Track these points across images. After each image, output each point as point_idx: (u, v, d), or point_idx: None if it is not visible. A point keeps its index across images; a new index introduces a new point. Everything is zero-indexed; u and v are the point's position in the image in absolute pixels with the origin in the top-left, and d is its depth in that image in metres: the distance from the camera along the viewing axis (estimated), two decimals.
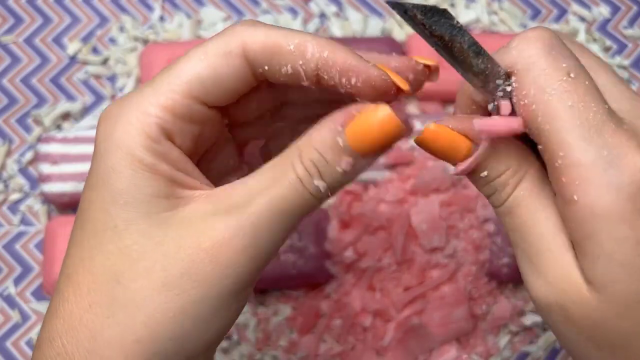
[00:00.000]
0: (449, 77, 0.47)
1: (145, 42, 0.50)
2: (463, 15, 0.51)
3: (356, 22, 0.50)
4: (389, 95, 0.26)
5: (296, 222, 0.25)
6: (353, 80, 0.25)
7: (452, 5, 0.51)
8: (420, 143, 0.26)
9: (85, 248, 0.25)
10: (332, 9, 0.51)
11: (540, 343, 0.44)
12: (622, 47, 0.51)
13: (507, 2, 0.52)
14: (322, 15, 0.51)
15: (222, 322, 0.26)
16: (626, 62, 0.50)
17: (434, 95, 0.48)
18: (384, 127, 0.24)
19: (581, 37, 0.51)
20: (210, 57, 0.25)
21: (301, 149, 0.24)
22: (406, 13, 0.24)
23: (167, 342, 0.24)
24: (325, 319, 0.43)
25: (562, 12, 0.52)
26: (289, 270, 0.43)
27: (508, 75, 0.25)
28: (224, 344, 0.44)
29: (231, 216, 0.24)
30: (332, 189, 0.25)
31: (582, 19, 0.51)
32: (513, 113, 0.25)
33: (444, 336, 0.43)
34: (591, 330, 0.23)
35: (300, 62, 0.25)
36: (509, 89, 0.25)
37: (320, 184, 0.24)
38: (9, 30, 0.51)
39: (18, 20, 0.51)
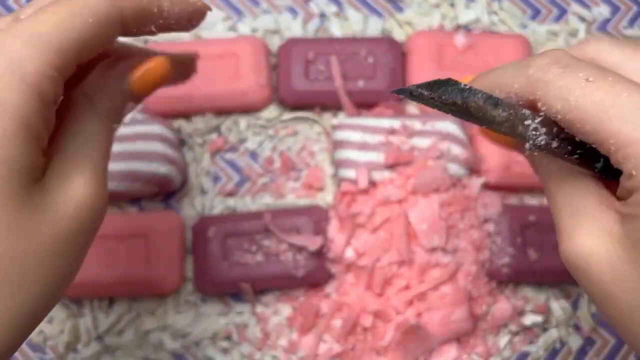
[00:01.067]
0: (449, 76, 0.47)
1: (145, 42, 0.50)
2: (463, 15, 0.51)
3: (356, 22, 0.50)
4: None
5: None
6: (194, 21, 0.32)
7: (452, 5, 0.51)
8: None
9: None
10: (332, 9, 0.51)
11: (540, 343, 0.44)
12: None
13: (507, 2, 0.52)
14: (322, 15, 0.51)
15: None
16: None
17: None
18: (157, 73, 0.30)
19: (581, 37, 0.51)
20: (97, 20, 0.26)
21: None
22: (413, 95, 0.25)
23: None
24: (325, 319, 0.43)
25: (562, 12, 0.52)
26: (289, 270, 0.43)
27: (533, 112, 0.25)
28: (223, 343, 0.44)
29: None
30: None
31: (582, 19, 0.51)
32: (560, 130, 0.24)
33: (444, 336, 0.43)
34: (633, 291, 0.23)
35: (160, 21, 0.29)
36: (538, 119, 0.24)
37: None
38: None
39: None
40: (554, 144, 0.25)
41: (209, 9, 0.32)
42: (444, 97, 0.25)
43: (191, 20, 0.31)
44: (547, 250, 0.43)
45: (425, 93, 0.25)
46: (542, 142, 0.24)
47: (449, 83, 0.25)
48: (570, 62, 0.24)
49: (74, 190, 0.26)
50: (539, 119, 0.24)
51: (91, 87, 0.29)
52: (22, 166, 0.24)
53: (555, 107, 0.24)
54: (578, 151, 0.25)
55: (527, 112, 0.25)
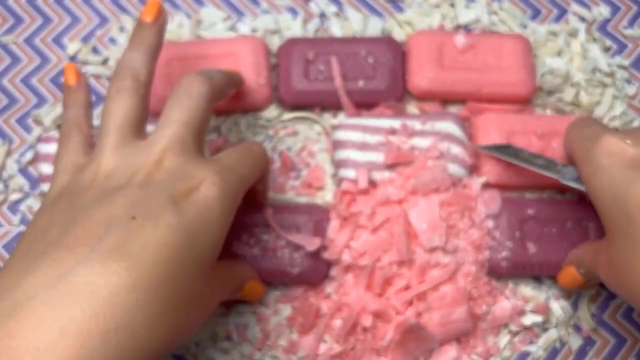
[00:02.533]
0: (449, 77, 0.47)
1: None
2: (463, 15, 0.51)
3: (356, 22, 0.50)
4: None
5: None
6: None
7: (452, 5, 0.51)
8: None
9: None
10: (332, 9, 0.51)
11: (540, 343, 0.44)
12: (622, 47, 0.51)
13: (507, 2, 0.52)
14: (322, 15, 0.51)
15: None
16: (626, 62, 0.50)
17: (433, 95, 0.48)
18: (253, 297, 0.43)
19: (581, 37, 0.51)
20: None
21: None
22: (490, 150, 0.44)
23: None
24: (325, 319, 0.43)
25: (562, 12, 0.52)
26: (284, 267, 0.43)
27: (565, 161, 0.43)
28: (223, 344, 0.44)
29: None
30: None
31: (582, 19, 0.51)
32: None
33: (444, 336, 0.43)
34: None
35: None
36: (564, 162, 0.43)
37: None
38: (9, 30, 0.51)
39: (18, 20, 0.51)
40: None
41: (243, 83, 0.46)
42: (506, 152, 0.44)
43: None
44: (546, 244, 0.43)
45: (497, 153, 0.44)
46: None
47: (509, 147, 0.44)
48: (586, 123, 0.43)
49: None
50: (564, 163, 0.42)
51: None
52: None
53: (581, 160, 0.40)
54: None
55: (558, 161, 0.43)
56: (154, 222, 0.29)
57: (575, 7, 0.52)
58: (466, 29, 0.51)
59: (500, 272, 0.44)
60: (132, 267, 0.27)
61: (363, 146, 0.45)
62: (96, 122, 0.46)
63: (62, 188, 0.34)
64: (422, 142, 0.45)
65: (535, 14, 0.52)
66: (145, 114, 0.37)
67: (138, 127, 0.36)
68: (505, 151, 0.44)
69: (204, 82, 0.37)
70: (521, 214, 0.44)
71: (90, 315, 0.25)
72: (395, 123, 0.45)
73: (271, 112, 0.48)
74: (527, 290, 0.45)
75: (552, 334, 0.44)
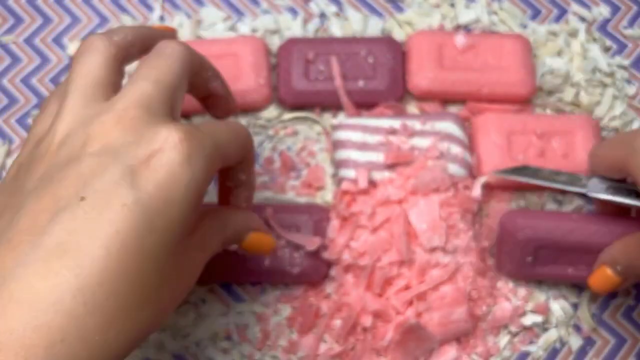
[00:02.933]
0: (448, 77, 0.47)
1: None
2: (463, 15, 0.51)
3: (356, 22, 0.50)
4: None
5: None
6: None
7: (452, 5, 0.51)
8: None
9: None
10: (332, 9, 0.51)
11: (540, 343, 0.44)
12: (622, 47, 0.51)
13: (507, 2, 0.52)
14: (322, 15, 0.51)
15: None
16: (626, 62, 0.50)
17: (433, 95, 0.48)
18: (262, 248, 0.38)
19: (581, 37, 0.51)
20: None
21: (227, 224, 0.36)
22: (505, 174, 0.44)
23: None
24: (325, 319, 0.43)
25: (562, 12, 0.52)
26: (283, 266, 0.43)
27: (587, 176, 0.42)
28: (224, 343, 0.44)
29: None
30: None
31: (582, 19, 0.51)
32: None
33: (444, 336, 0.43)
34: None
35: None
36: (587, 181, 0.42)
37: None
38: (9, 30, 0.51)
39: (18, 20, 0.51)
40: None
41: (237, 111, 0.43)
42: (523, 174, 0.44)
43: (215, 107, 0.41)
44: (547, 257, 0.43)
45: (514, 176, 0.44)
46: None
47: (526, 168, 0.44)
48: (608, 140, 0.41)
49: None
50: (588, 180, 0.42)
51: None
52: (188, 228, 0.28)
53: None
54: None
55: (581, 175, 0.43)
56: (106, 202, 0.25)
57: (575, 7, 0.52)
58: (466, 29, 0.51)
59: (500, 276, 0.44)
60: (78, 266, 0.23)
61: (363, 146, 0.45)
62: None
63: (19, 164, 0.29)
64: (422, 142, 0.45)
65: (535, 14, 0.52)
66: (117, 75, 0.32)
67: (105, 88, 0.30)
68: (523, 173, 0.43)
69: (181, 43, 0.33)
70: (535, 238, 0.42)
71: (32, 327, 0.22)
72: (395, 123, 0.45)
73: (271, 112, 0.48)
74: (527, 290, 0.45)
75: (552, 334, 0.44)
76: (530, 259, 0.42)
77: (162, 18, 0.51)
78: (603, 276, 0.39)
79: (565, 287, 0.45)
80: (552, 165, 0.45)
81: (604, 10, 0.52)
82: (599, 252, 0.39)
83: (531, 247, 0.42)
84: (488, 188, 0.46)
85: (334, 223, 0.44)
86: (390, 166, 0.45)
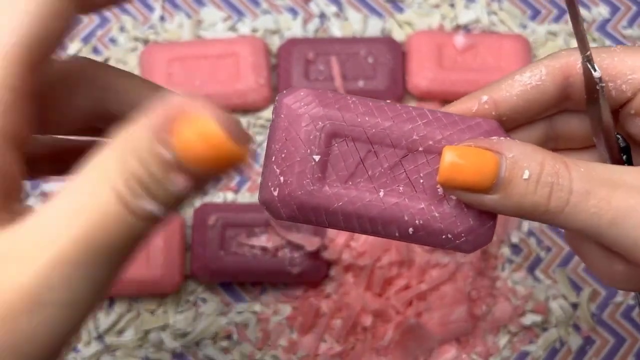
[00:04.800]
0: (448, 77, 0.48)
1: (146, 42, 0.50)
2: (463, 16, 0.51)
3: (356, 22, 0.50)
4: None
5: (127, 254, 0.20)
6: None
7: (452, 5, 0.51)
8: (446, 183, 0.22)
9: None
10: (332, 9, 0.51)
11: (539, 343, 0.44)
12: None
13: (507, 2, 0.52)
14: (322, 15, 0.51)
15: None
16: None
17: (433, 95, 0.48)
18: (213, 145, 0.18)
19: None
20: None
21: (120, 164, 0.18)
22: None
23: None
24: (325, 318, 0.43)
25: (562, 12, 0.52)
26: (284, 267, 0.43)
27: None
28: (224, 343, 0.44)
29: (25, 265, 0.18)
30: (171, 208, 0.19)
31: (582, 19, 0.51)
32: None
33: (444, 336, 0.43)
34: None
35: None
36: None
37: (149, 205, 0.18)
38: None
39: None
40: None
41: None
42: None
43: None
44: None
45: None
46: None
47: None
48: None
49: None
50: None
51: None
52: None
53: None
54: None
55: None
56: None
57: None
58: (466, 29, 0.51)
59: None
60: None
61: None
62: None
63: None
64: None
65: (535, 14, 0.52)
66: None
67: None
68: None
69: None
70: None
71: None
72: None
73: (271, 112, 0.48)
74: (526, 290, 0.45)
75: (552, 333, 0.44)
76: (316, 161, 0.24)
77: (162, 18, 0.51)
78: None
79: (565, 287, 0.45)
80: None
81: (603, 11, 0.52)
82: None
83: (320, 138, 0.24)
84: None
85: None
86: None
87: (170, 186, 0.18)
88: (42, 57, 0.20)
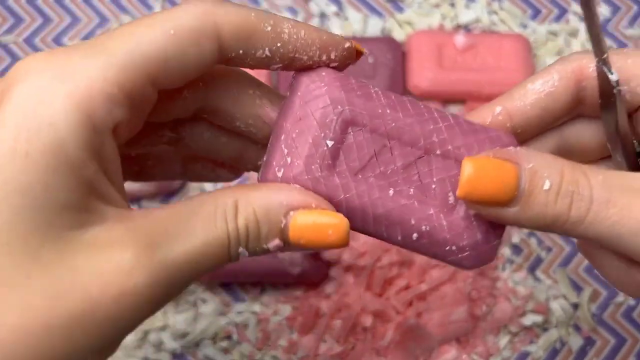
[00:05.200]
0: (448, 77, 0.47)
1: None
2: (463, 15, 0.51)
3: (356, 22, 0.50)
4: (352, 59, 0.25)
5: (201, 275, 0.22)
6: (333, 55, 0.24)
7: (452, 5, 0.51)
8: (466, 196, 0.22)
9: None
10: (332, 9, 0.51)
11: (540, 343, 0.44)
12: (622, 47, 0.51)
13: (507, 2, 0.52)
14: (322, 15, 0.51)
15: None
16: None
17: (433, 95, 0.48)
18: (327, 241, 0.22)
19: (581, 37, 0.51)
20: (180, 33, 0.20)
21: (240, 207, 0.21)
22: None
23: None
24: (325, 319, 0.43)
25: (562, 12, 0.52)
26: (284, 267, 0.43)
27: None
28: (223, 343, 0.44)
29: (148, 258, 0.19)
30: (249, 254, 0.22)
31: (583, 18, 0.51)
32: None
33: (444, 336, 0.43)
34: None
35: (279, 44, 0.22)
36: None
37: (243, 251, 0.21)
38: (9, 30, 0.51)
39: (18, 20, 0.51)
40: None
41: (362, 52, 0.25)
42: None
43: (329, 52, 0.24)
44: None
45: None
46: None
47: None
48: None
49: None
50: None
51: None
52: (46, 202, 0.18)
53: None
54: None
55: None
56: None
57: (575, 7, 0.52)
58: (466, 29, 0.51)
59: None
60: None
61: None
62: None
63: None
64: None
65: (536, 14, 0.52)
66: None
67: None
68: None
69: None
70: None
71: None
72: None
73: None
74: (527, 290, 0.45)
75: (552, 334, 0.44)
76: (329, 147, 0.23)
77: None
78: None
79: (566, 287, 0.45)
80: None
81: (604, 10, 0.52)
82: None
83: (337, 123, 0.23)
84: None
85: None
86: None
87: (268, 246, 0.22)
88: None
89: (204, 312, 0.44)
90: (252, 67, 0.23)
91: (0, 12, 0.51)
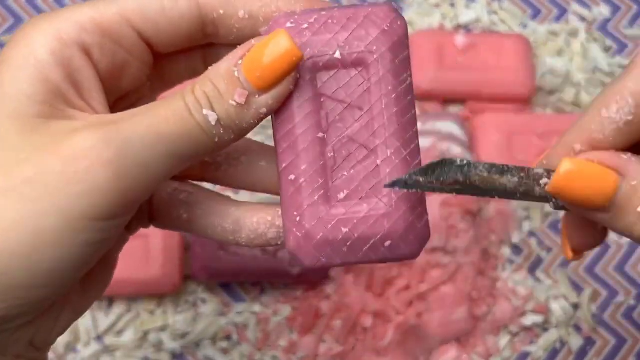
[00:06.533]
0: (449, 77, 0.47)
1: None
2: (463, 15, 0.51)
3: None
4: None
5: (182, 157, 0.22)
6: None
7: (452, 5, 0.51)
8: (557, 190, 0.22)
9: None
10: None
11: (540, 343, 0.44)
12: (622, 47, 0.51)
13: (507, 2, 0.52)
14: None
15: (67, 251, 0.21)
16: (626, 62, 0.50)
17: (433, 95, 0.48)
18: (276, 55, 0.21)
19: (581, 37, 0.50)
20: None
21: (196, 81, 0.22)
22: (408, 184, 0.22)
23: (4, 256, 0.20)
24: (325, 319, 0.43)
25: (563, 12, 0.52)
26: (284, 267, 0.43)
27: (548, 172, 0.23)
28: (223, 344, 0.44)
29: (101, 128, 0.21)
30: (226, 126, 0.22)
31: (583, 18, 0.51)
32: None
33: (444, 336, 0.43)
34: None
35: (259, 4, 0.23)
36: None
37: (209, 113, 0.22)
38: (9, 30, 0.51)
39: (18, 20, 0.51)
40: None
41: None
42: (443, 178, 0.23)
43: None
44: None
45: (421, 179, 0.23)
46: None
47: (444, 163, 0.23)
48: None
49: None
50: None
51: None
52: (13, 92, 0.22)
53: None
54: None
55: (540, 170, 0.23)
56: None
57: (575, 7, 0.52)
58: (466, 29, 0.51)
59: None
60: None
61: None
62: None
63: None
64: (422, 142, 0.45)
65: (536, 14, 0.52)
66: None
67: None
68: (441, 173, 0.23)
69: None
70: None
71: None
72: None
73: None
74: (527, 290, 0.45)
75: (552, 334, 0.44)
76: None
77: None
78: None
79: (566, 287, 0.45)
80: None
81: (604, 10, 0.52)
82: None
83: None
84: None
85: None
86: None
87: (235, 100, 0.22)
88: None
89: (203, 312, 0.44)
90: (241, 36, 0.24)
91: (0, 12, 0.51)
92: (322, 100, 0.23)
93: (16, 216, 0.20)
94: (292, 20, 0.23)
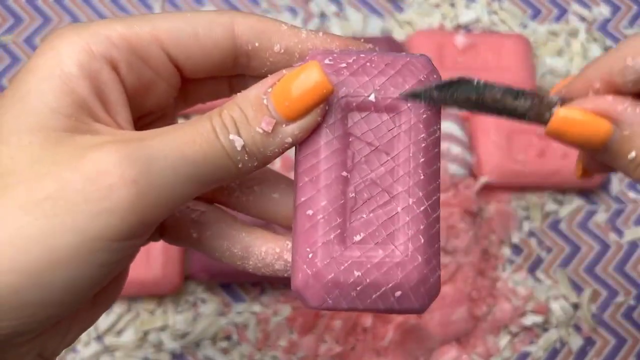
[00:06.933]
0: (449, 76, 0.47)
1: None
2: (463, 15, 0.51)
3: (356, 22, 0.50)
4: None
5: (204, 181, 0.22)
6: None
7: (452, 5, 0.51)
8: (553, 133, 0.24)
9: None
10: (332, 8, 0.51)
11: (540, 343, 0.44)
12: None
13: (507, 2, 0.52)
14: (322, 15, 0.51)
15: (82, 270, 0.20)
16: None
17: None
18: (307, 86, 0.21)
19: (581, 37, 0.50)
20: (194, 18, 0.23)
21: (223, 105, 0.22)
22: (424, 97, 0.24)
23: (11, 275, 0.20)
24: (325, 319, 0.43)
25: (563, 12, 0.52)
26: None
27: (562, 101, 0.24)
28: (223, 344, 0.44)
29: (126, 145, 0.20)
30: (251, 153, 0.22)
31: (583, 18, 0.51)
32: None
33: (444, 336, 0.43)
34: None
35: (296, 40, 0.24)
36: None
37: (236, 138, 0.21)
38: (9, 30, 0.51)
39: (18, 20, 0.51)
40: None
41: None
42: (456, 95, 0.25)
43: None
44: None
45: (436, 94, 0.24)
46: None
47: (460, 82, 0.25)
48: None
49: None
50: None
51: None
52: (38, 104, 0.21)
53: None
54: None
55: (555, 98, 0.24)
56: None
57: (575, 7, 0.52)
58: (466, 29, 0.51)
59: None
60: None
61: None
62: None
63: None
64: None
65: (536, 14, 0.52)
66: None
67: None
68: (455, 90, 0.26)
69: None
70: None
71: None
72: None
73: None
74: (527, 290, 0.45)
75: (552, 334, 0.44)
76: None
77: None
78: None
79: (566, 287, 0.45)
80: (551, 167, 0.45)
81: (604, 10, 0.52)
82: None
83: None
84: (488, 188, 0.46)
85: None
86: None
87: (262, 127, 0.21)
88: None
89: (203, 312, 0.44)
90: (274, 70, 0.24)
91: (0, 12, 0.51)
92: (350, 139, 0.23)
93: (33, 233, 0.20)
94: (330, 58, 0.23)
